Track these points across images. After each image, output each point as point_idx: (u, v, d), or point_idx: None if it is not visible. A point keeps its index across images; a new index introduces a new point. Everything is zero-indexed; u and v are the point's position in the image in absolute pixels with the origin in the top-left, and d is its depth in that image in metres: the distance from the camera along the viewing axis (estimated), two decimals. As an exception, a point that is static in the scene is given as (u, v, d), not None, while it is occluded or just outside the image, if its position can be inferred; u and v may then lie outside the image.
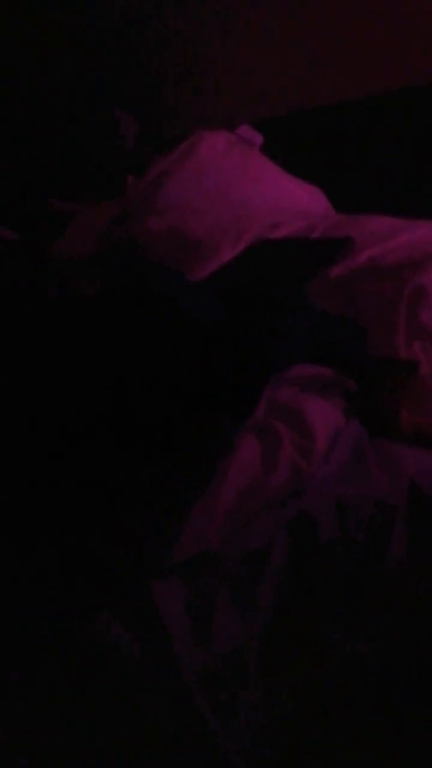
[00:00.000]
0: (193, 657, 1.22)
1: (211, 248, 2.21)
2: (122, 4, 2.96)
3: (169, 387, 1.30)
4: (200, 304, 1.57)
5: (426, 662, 1.22)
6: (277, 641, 1.30)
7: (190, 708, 1.20)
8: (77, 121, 2.90)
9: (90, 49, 3.10)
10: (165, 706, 1.19)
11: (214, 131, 2.53)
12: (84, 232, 2.45)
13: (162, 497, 1.19)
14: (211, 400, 1.31)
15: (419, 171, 2.67)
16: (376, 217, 2.25)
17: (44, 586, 1.14)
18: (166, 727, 1.19)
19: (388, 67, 2.77)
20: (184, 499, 1.20)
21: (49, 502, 1.17)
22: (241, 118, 2.74)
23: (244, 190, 2.43)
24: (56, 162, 2.83)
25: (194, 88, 2.94)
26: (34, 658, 1.14)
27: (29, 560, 1.14)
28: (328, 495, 1.39)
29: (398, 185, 2.63)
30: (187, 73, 2.96)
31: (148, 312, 1.50)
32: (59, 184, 2.79)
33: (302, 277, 1.87)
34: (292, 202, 2.45)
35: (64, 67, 3.11)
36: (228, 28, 2.89)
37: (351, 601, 1.32)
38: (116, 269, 1.81)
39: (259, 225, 2.28)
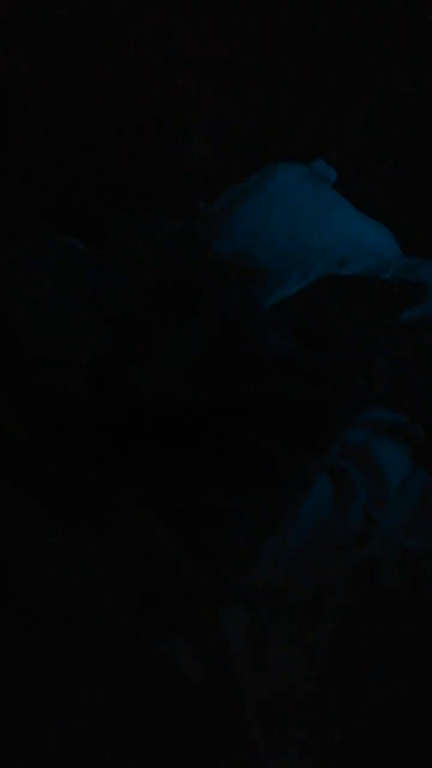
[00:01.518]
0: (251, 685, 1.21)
1: (278, 278, 2.20)
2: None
3: (249, 420, 1.28)
4: (274, 335, 1.56)
5: None
6: (331, 688, 1.27)
7: (245, 731, 1.18)
8: (147, 135, 2.91)
9: (166, 67, 3.11)
10: (220, 729, 1.17)
11: (289, 163, 2.53)
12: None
13: (238, 528, 1.18)
14: (287, 436, 1.29)
15: None
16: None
17: (116, 604, 1.13)
18: (218, 749, 1.17)
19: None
20: (258, 532, 1.19)
21: (130, 523, 1.16)
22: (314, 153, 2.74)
23: (315, 223, 2.43)
24: (123, 176, 2.84)
25: (269, 117, 2.95)
26: (96, 675, 1.13)
27: (103, 578, 1.13)
28: (392, 543, 1.37)
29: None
30: (263, 101, 2.97)
31: (221, 340, 1.49)
32: (125, 198, 2.79)
33: (374, 317, 1.85)
34: (362, 239, 2.44)
35: (139, 82, 3.12)
36: (304, 65, 2.90)
37: (412, 659, 1.30)
38: (188, 290, 1.80)
39: (328, 259, 2.27)
